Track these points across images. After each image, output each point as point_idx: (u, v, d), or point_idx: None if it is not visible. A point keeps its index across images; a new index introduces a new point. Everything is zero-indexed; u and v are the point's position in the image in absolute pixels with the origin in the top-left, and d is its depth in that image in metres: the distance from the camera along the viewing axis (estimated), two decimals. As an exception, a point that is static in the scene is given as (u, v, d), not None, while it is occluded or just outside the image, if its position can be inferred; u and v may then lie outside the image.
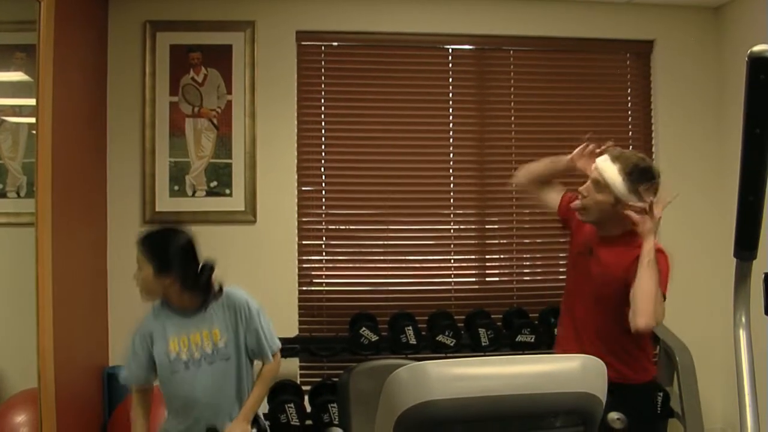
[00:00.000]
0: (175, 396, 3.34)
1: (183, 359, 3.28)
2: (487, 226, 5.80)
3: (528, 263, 5.83)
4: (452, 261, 5.72)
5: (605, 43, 5.85)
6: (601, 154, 3.38)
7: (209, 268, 3.32)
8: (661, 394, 4.70)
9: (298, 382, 5.29)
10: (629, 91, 5.92)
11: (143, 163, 5.31)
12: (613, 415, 3.31)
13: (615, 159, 3.21)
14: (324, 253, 5.60)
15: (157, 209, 5.28)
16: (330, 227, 5.62)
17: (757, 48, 1.72)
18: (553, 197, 3.62)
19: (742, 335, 2.00)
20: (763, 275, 2.10)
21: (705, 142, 5.75)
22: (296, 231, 5.48)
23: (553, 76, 5.81)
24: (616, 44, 5.88)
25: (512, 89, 5.79)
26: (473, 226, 5.78)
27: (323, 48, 5.64)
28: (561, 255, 5.20)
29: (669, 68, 5.79)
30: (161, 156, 5.32)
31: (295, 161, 5.49)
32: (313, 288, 5.55)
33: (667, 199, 3.17)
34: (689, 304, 5.49)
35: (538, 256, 5.83)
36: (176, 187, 5.33)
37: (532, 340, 5.17)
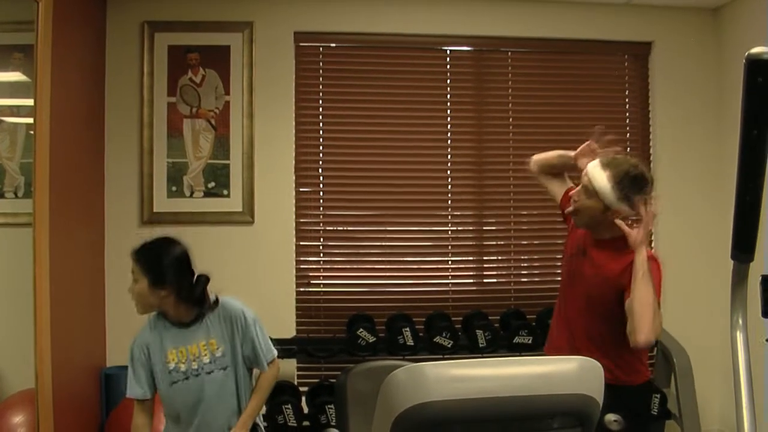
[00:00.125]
0: (175, 406, 3.34)
1: (182, 370, 3.28)
2: (484, 228, 5.80)
3: (525, 265, 5.83)
4: (450, 262, 5.72)
5: (603, 44, 5.86)
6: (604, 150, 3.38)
7: (204, 279, 3.33)
8: (658, 395, 4.71)
9: (296, 383, 5.29)
10: (627, 92, 5.92)
11: (141, 163, 5.31)
12: (610, 417, 3.31)
13: (605, 166, 3.17)
14: (321, 254, 5.60)
15: (154, 210, 5.28)
16: (327, 228, 5.62)
17: (755, 50, 1.72)
18: (558, 190, 3.61)
19: (739, 337, 2.00)
20: (761, 277, 2.11)
21: (703, 144, 5.76)
22: (294, 232, 5.49)
23: (551, 78, 5.82)
24: (615, 46, 5.88)
25: (510, 91, 5.79)
26: (471, 228, 5.78)
27: (321, 49, 5.64)
28: (558, 257, 5.20)
29: (667, 70, 5.79)
30: (159, 156, 5.32)
31: (293, 162, 5.49)
32: (310, 289, 5.54)
33: (655, 212, 3.14)
34: (687, 305, 5.51)
35: (535, 257, 5.83)
36: (174, 188, 5.32)
37: (530, 341, 5.17)
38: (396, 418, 1.80)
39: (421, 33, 5.65)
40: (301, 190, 5.53)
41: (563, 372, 1.93)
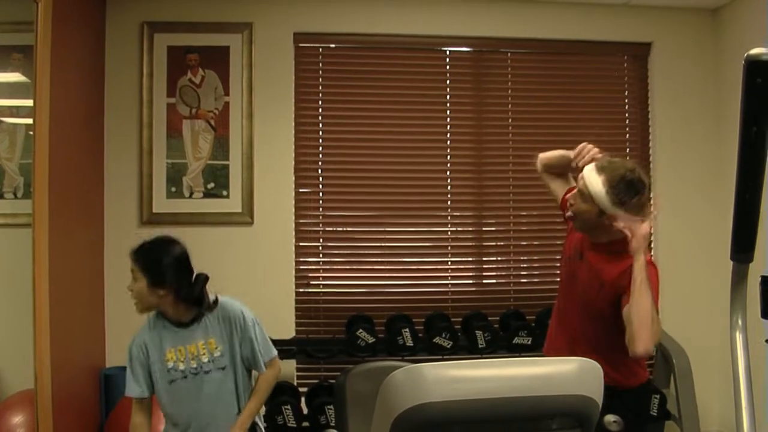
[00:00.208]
0: (174, 406, 3.35)
1: (180, 369, 3.29)
2: (484, 228, 5.80)
3: (525, 265, 5.83)
4: (449, 263, 5.72)
5: (603, 45, 5.86)
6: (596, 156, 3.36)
7: (203, 279, 3.33)
8: (657, 396, 4.71)
9: (295, 383, 5.29)
10: (627, 93, 5.92)
11: (140, 164, 5.31)
12: (610, 418, 3.30)
13: (601, 170, 3.13)
14: (321, 255, 5.60)
15: (154, 210, 5.28)
16: (327, 229, 5.62)
17: (754, 51, 1.72)
18: (559, 190, 3.59)
19: (739, 338, 2.00)
20: (760, 278, 2.11)
21: (703, 144, 5.76)
22: (293, 232, 5.49)
23: (550, 79, 5.82)
24: (614, 46, 5.88)
25: (509, 91, 5.80)
26: (470, 228, 5.78)
27: (321, 50, 5.64)
28: (558, 257, 5.19)
29: (666, 70, 5.79)
30: (158, 157, 5.32)
31: (293, 163, 5.49)
32: (310, 290, 5.54)
33: (651, 217, 3.11)
34: (687, 306, 5.51)
35: (535, 258, 5.83)
36: (173, 189, 5.32)
37: (529, 342, 5.17)
38: (395, 419, 1.80)
39: (420, 34, 5.66)
40: (300, 190, 5.53)
41: (563, 373, 1.93)
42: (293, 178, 5.49)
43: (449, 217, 5.74)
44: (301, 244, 5.53)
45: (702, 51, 5.82)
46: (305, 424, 4.90)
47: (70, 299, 4.51)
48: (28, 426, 4.08)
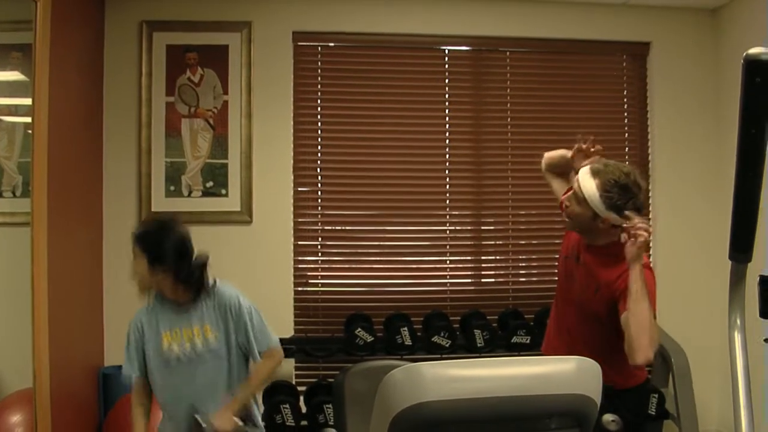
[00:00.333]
0: (165, 389, 3.36)
1: (175, 352, 3.30)
2: (482, 228, 5.80)
3: (524, 265, 5.84)
4: (448, 262, 5.73)
5: (602, 44, 5.86)
6: (593, 154, 3.35)
7: (203, 260, 3.34)
8: (656, 395, 4.71)
9: (294, 382, 5.30)
10: (625, 92, 5.93)
11: (139, 163, 5.30)
12: (608, 417, 3.32)
13: (595, 173, 3.12)
14: (320, 254, 5.60)
15: (152, 209, 5.27)
16: (326, 228, 5.62)
17: (753, 51, 1.72)
18: (559, 189, 3.58)
19: (737, 337, 2.00)
20: (759, 278, 2.11)
21: (702, 144, 5.76)
22: (292, 231, 5.49)
23: (549, 78, 5.82)
24: (613, 46, 5.89)
25: (509, 91, 5.80)
26: (469, 228, 5.78)
27: (320, 48, 5.64)
28: (556, 256, 5.19)
29: (665, 70, 5.80)
30: (157, 156, 5.32)
31: (291, 162, 5.49)
32: (308, 288, 5.55)
33: (647, 226, 3.06)
34: (686, 305, 5.51)
35: (533, 257, 5.84)
36: (172, 188, 5.32)
37: (528, 341, 5.17)
38: (394, 418, 1.81)
39: (419, 33, 5.66)
40: (299, 189, 5.54)
41: (561, 372, 1.93)
42: (292, 177, 5.49)
43: (448, 216, 5.74)
44: (299, 243, 5.53)
45: (701, 51, 5.82)
46: (304, 423, 4.89)
47: (69, 298, 4.51)
48: (27, 425, 4.08)
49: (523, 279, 5.83)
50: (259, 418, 3.51)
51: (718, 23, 5.77)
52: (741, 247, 1.96)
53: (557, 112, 5.74)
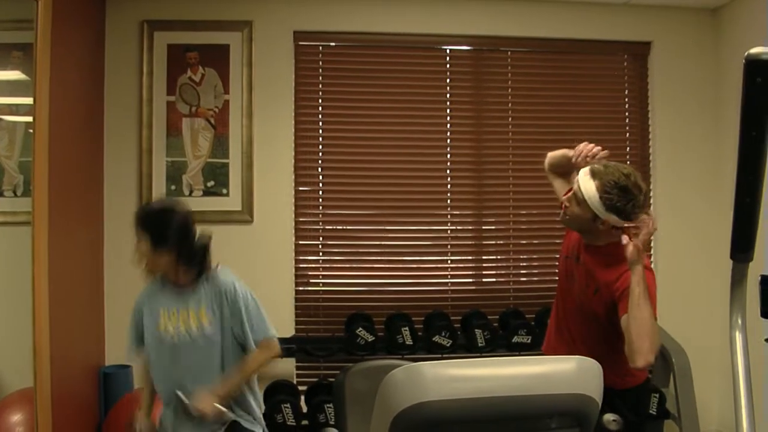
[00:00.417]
0: (159, 369, 3.38)
1: (170, 333, 3.31)
2: (483, 227, 5.79)
3: (524, 264, 5.83)
4: (449, 262, 5.72)
5: (602, 44, 5.86)
6: (593, 157, 3.34)
7: (205, 241, 3.35)
8: (656, 395, 4.71)
9: (295, 382, 5.30)
10: (626, 92, 5.92)
11: (140, 162, 5.30)
12: (609, 417, 3.31)
13: (595, 174, 3.11)
14: (321, 254, 5.60)
15: (153, 209, 5.27)
16: (327, 227, 5.62)
17: (754, 50, 1.72)
18: (560, 189, 3.57)
19: (738, 337, 2.00)
20: (760, 277, 2.11)
21: (702, 144, 5.76)
22: (293, 231, 5.49)
23: (550, 78, 5.81)
24: (614, 45, 5.88)
25: (509, 90, 5.79)
26: (470, 227, 5.78)
27: (321, 48, 5.64)
28: (557, 256, 5.19)
29: (666, 70, 5.79)
30: (158, 155, 5.32)
31: (292, 161, 5.49)
32: (309, 288, 5.54)
33: (651, 229, 3.05)
34: (686, 305, 5.51)
35: (534, 257, 5.83)
36: (173, 187, 5.32)
37: (529, 341, 5.17)
38: (394, 418, 1.81)
39: (420, 32, 5.65)
40: (300, 189, 5.53)
41: (562, 372, 1.93)
42: (293, 177, 5.49)
43: (449, 216, 5.73)
44: (300, 242, 5.53)
45: (702, 50, 5.82)
46: (304, 422, 4.90)
47: (70, 297, 4.51)
48: (28, 424, 4.08)
49: (524, 279, 5.82)
50: (258, 412, 3.48)
51: (718, 23, 5.77)
52: (742, 246, 1.96)
53: (558, 112, 5.74)
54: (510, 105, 5.78)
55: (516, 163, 5.74)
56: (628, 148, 5.83)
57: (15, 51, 4.67)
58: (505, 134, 5.76)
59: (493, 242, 5.82)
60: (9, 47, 4.69)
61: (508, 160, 5.75)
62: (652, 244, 5.57)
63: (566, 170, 3.55)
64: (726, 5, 5.66)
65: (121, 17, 5.34)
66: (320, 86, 5.61)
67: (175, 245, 3.26)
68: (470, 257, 5.78)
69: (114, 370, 4.99)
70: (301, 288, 5.51)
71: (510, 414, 1.86)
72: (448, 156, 5.73)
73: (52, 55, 4.06)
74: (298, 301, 5.49)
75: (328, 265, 5.61)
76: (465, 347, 5.20)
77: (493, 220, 5.79)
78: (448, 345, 5.12)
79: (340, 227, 5.65)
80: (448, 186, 5.73)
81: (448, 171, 5.73)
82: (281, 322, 5.27)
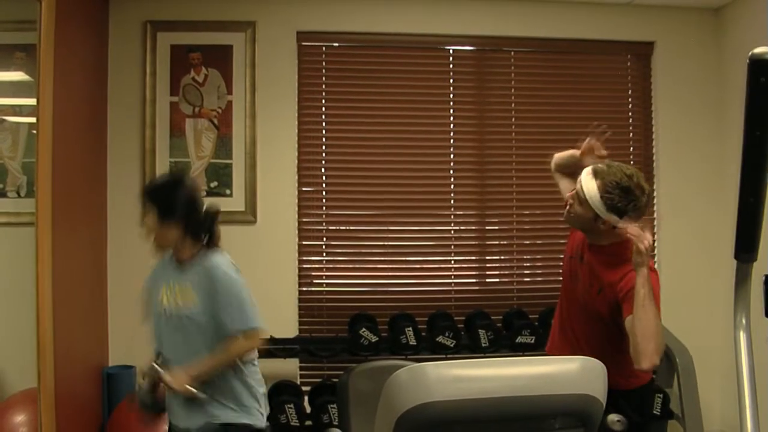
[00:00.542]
0: (156, 342, 3.39)
1: (165, 306, 3.31)
2: (487, 228, 5.80)
3: (528, 264, 5.83)
4: (452, 262, 5.72)
5: (606, 44, 5.85)
6: (601, 147, 3.35)
7: (213, 212, 3.35)
8: (660, 395, 4.70)
9: (298, 382, 5.29)
10: (630, 92, 5.91)
11: (143, 163, 5.30)
12: (613, 417, 3.31)
13: (597, 174, 3.12)
14: (324, 254, 5.60)
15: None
16: (330, 228, 5.62)
17: (758, 50, 1.72)
18: (566, 189, 3.57)
19: (742, 337, 2.00)
20: (764, 277, 2.10)
21: (705, 144, 5.75)
22: (296, 231, 5.48)
23: (553, 78, 5.81)
24: (617, 46, 5.88)
25: (513, 90, 5.79)
26: (473, 227, 5.78)
27: (324, 48, 5.63)
28: (561, 256, 5.19)
29: (669, 70, 5.79)
30: (161, 156, 5.32)
31: (296, 162, 5.49)
32: (313, 288, 5.54)
33: (652, 229, 3.02)
34: (689, 305, 5.50)
35: (538, 257, 5.83)
36: (176, 187, 5.31)
37: (532, 341, 5.17)
38: (398, 419, 1.81)
39: (423, 33, 5.65)
40: (303, 189, 5.53)
41: (566, 372, 1.93)
42: (296, 177, 5.49)
43: (452, 216, 5.73)
44: (304, 243, 5.53)
45: (705, 50, 5.81)
46: (308, 422, 4.90)
47: (73, 298, 4.51)
48: (31, 424, 4.09)
49: (528, 279, 5.82)
50: (252, 403, 3.35)
51: (721, 23, 5.76)
52: (746, 246, 1.96)
53: (561, 112, 5.73)
54: (513, 105, 5.77)
55: (519, 163, 5.73)
56: (631, 148, 5.83)
57: (18, 52, 4.67)
58: (508, 134, 5.76)
59: (497, 242, 5.83)
60: (12, 48, 4.69)
61: (512, 160, 5.75)
62: (655, 245, 5.56)
63: (573, 170, 3.54)
64: (729, 5, 5.66)
65: (124, 18, 5.35)
66: (323, 87, 5.61)
67: (183, 217, 3.25)
68: (473, 257, 5.78)
69: (117, 370, 5.00)
70: (304, 288, 5.51)
71: (514, 414, 1.86)
72: (451, 156, 5.73)
73: (56, 56, 4.06)
74: (301, 302, 5.49)
75: (331, 266, 5.61)
76: (468, 347, 5.19)
77: (496, 220, 5.79)
78: (451, 345, 5.12)
79: (344, 228, 5.65)
80: (452, 186, 5.72)
81: (451, 171, 5.72)
82: (285, 323, 5.29)
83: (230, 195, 5.36)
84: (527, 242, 5.80)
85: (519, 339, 5.19)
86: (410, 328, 5.11)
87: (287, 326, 5.30)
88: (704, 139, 5.76)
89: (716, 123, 5.73)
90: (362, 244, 5.64)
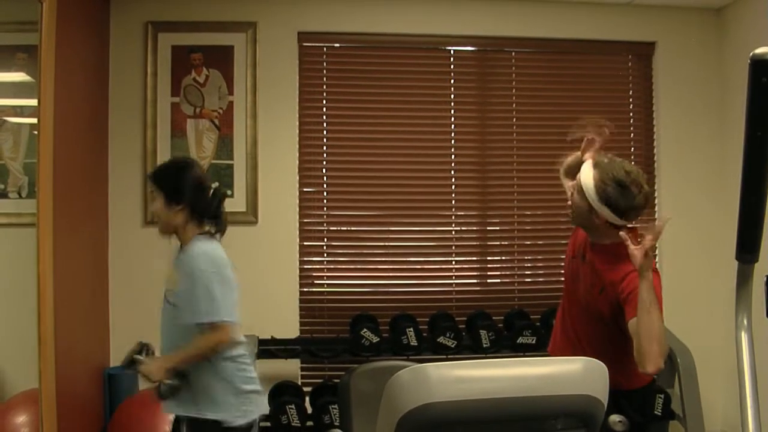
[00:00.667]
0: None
1: (165, 288, 3.32)
2: (488, 228, 5.80)
3: (529, 265, 5.83)
4: (453, 263, 5.72)
5: (607, 44, 5.85)
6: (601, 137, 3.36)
7: (220, 195, 3.35)
8: (662, 396, 4.70)
9: (299, 383, 5.29)
10: (631, 92, 5.91)
11: (144, 163, 5.30)
12: (615, 418, 3.30)
13: (597, 165, 3.12)
14: (325, 255, 5.60)
15: (158, 210, 5.27)
16: (331, 228, 5.62)
17: (759, 50, 1.72)
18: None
19: (744, 338, 2.00)
20: (765, 278, 2.10)
21: (707, 144, 5.75)
22: (297, 232, 5.48)
23: (554, 78, 5.81)
24: (618, 46, 5.88)
25: (514, 91, 5.79)
26: (474, 228, 5.78)
27: (325, 49, 5.64)
28: (562, 256, 5.19)
29: (670, 70, 5.79)
30: (163, 157, 5.30)
31: (297, 162, 5.49)
32: (314, 289, 5.54)
33: (658, 230, 2.98)
34: (690, 306, 5.49)
35: (539, 257, 5.83)
36: (177, 188, 5.31)
37: (534, 341, 5.17)
38: (400, 419, 1.81)
39: (424, 33, 5.65)
40: (304, 190, 5.53)
41: (567, 373, 1.93)
42: (297, 178, 5.49)
43: (453, 217, 5.73)
44: (305, 243, 5.53)
45: (706, 50, 5.81)
46: (309, 423, 4.90)
47: (74, 299, 4.51)
48: (33, 425, 4.08)
49: (529, 279, 5.82)
50: (231, 399, 3.24)
51: (722, 23, 5.76)
52: (748, 247, 1.96)
53: (562, 112, 5.72)
54: (514, 105, 5.78)
55: (520, 163, 5.74)
56: (632, 149, 5.83)
57: (19, 53, 4.67)
58: (510, 135, 5.76)
59: (498, 243, 5.83)
60: (13, 49, 4.69)
61: (513, 161, 5.75)
62: (656, 245, 5.55)
63: (578, 171, 3.54)
64: (730, 5, 5.65)
65: (125, 18, 5.35)
66: (324, 87, 5.62)
67: (190, 200, 3.25)
68: (475, 258, 5.78)
69: (119, 371, 4.98)
70: (305, 289, 5.51)
71: (516, 415, 1.86)
72: (453, 157, 5.73)
73: (57, 57, 4.06)
74: (302, 302, 5.49)
75: (332, 266, 5.61)
76: (470, 348, 5.19)
77: (497, 220, 5.79)
78: (452, 346, 5.11)
79: (345, 228, 5.65)
80: (453, 187, 5.72)
81: (452, 172, 5.72)
82: (286, 323, 5.29)
83: (231, 195, 5.36)
84: (528, 242, 5.81)
85: (520, 339, 5.19)
86: (411, 329, 5.10)
87: (288, 327, 5.30)
88: (705, 139, 5.76)
89: (717, 123, 5.73)
90: (363, 244, 5.64)
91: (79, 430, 4.56)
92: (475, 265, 5.79)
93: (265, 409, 3.46)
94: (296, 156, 5.48)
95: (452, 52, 5.77)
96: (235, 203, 5.35)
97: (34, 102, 4.04)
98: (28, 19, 4.10)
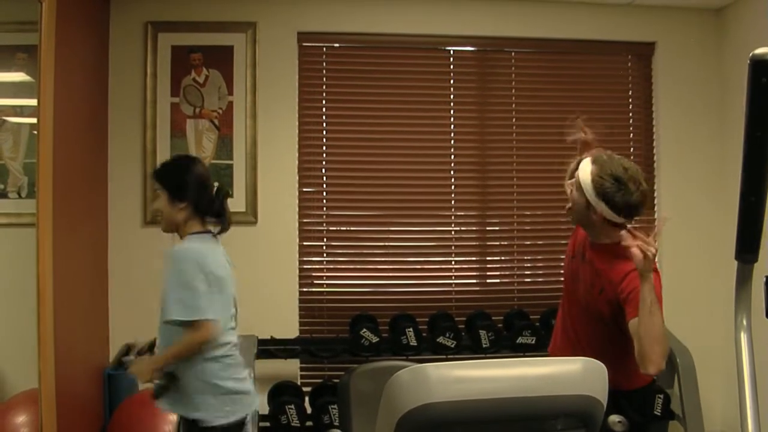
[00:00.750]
0: None
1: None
2: (488, 228, 5.80)
3: (529, 265, 5.83)
4: (453, 263, 5.72)
5: (607, 44, 5.85)
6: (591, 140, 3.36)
7: (224, 193, 3.36)
8: (661, 396, 4.70)
9: (299, 383, 5.29)
10: (630, 93, 5.91)
11: (144, 163, 5.30)
12: (614, 418, 3.30)
13: (595, 161, 3.12)
14: (324, 255, 5.60)
15: (158, 210, 5.27)
16: (331, 228, 5.62)
17: (759, 51, 1.72)
18: None
19: (744, 338, 2.00)
20: (765, 278, 2.10)
21: (706, 144, 5.75)
22: (297, 232, 5.48)
23: (554, 78, 5.81)
24: (618, 46, 5.88)
25: (513, 91, 5.79)
26: (474, 228, 5.78)
27: (324, 49, 5.64)
28: (562, 256, 5.19)
29: (670, 70, 5.79)
30: (162, 157, 5.28)
31: (296, 162, 5.49)
32: (313, 289, 5.54)
33: (657, 230, 2.97)
34: (690, 306, 5.49)
35: (539, 257, 5.83)
36: (177, 188, 5.31)
37: (533, 341, 5.17)
38: (399, 419, 1.81)
39: (424, 33, 5.65)
40: (304, 190, 5.53)
41: (567, 373, 1.93)
42: (297, 178, 5.49)
43: (453, 217, 5.73)
44: (304, 243, 5.53)
45: (706, 51, 5.81)
46: (309, 423, 4.89)
47: (74, 299, 4.51)
48: (32, 425, 4.08)
49: (529, 279, 5.82)
50: (206, 404, 3.22)
51: (722, 23, 5.76)
52: (747, 247, 1.96)
53: (562, 113, 5.67)
54: (514, 106, 5.78)
55: (520, 163, 5.74)
56: (632, 149, 5.83)
57: (19, 53, 4.67)
58: (509, 135, 5.76)
59: (498, 243, 5.83)
60: (13, 49, 4.69)
61: (512, 161, 5.75)
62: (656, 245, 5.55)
63: None
64: (730, 5, 5.66)
65: (125, 18, 5.35)
66: (324, 87, 5.62)
67: (193, 198, 3.24)
68: (474, 258, 5.79)
69: (119, 371, 4.99)
70: (305, 289, 5.51)
71: (515, 415, 1.86)
72: (452, 157, 5.73)
73: (57, 57, 4.06)
74: (302, 302, 5.49)
75: (332, 266, 5.61)
76: (469, 348, 5.19)
77: (497, 221, 5.80)
78: (452, 346, 5.11)
79: (344, 228, 5.65)
80: (452, 187, 5.73)
81: (452, 172, 5.73)
82: (285, 323, 5.29)
83: (231, 196, 5.34)
84: (528, 243, 5.81)
85: (520, 340, 5.19)
86: (411, 329, 5.10)
87: (288, 327, 5.30)
88: (705, 139, 5.76)
89: (717, 123, 5.73)
90: (363, 244, 5.64)
91: (78, 430, 4.56)
92: (474, 265, 5.79)
93: (252, 409, 3.41)
94: (296, 156, 5.48)
95: (452, 52, 5.77)
96: (234, 203, 5.32)
97: (33, 102, 4.04)
98: (28, 19, 4.09)
